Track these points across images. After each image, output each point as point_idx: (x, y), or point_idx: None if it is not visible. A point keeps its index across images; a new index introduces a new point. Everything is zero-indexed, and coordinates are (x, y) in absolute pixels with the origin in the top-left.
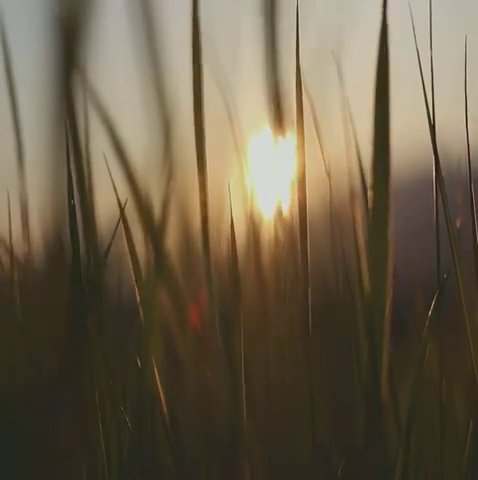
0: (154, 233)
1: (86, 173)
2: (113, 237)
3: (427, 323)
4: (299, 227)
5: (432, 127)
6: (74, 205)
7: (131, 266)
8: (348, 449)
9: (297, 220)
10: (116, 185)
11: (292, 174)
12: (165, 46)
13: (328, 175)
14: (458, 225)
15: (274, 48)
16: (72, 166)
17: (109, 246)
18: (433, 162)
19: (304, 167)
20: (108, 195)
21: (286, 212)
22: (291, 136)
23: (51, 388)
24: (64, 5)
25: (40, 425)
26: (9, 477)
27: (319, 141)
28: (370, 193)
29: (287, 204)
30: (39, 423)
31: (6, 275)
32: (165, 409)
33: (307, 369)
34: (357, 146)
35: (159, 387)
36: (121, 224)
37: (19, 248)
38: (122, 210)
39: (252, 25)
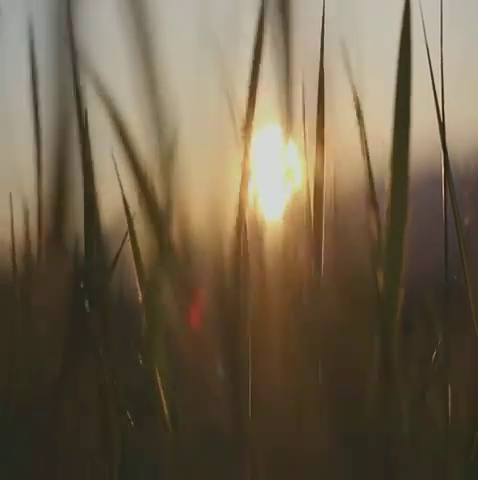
0: (158, 229)
1: (92, 170)
2: (122, 244)
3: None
4: (314, 223)
5: (441, 124)
6: (89, 205)
7: (134, 264)
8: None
9: (311, 218)
10: (122, 180)
11: (307, 174)
12: (162, 40)
13: (339, 174)
14: (466, 223)
15: (286, 45)
16: (79, 161)
17: (118, 253)
18: (442, 159)
19: (323, 167)
20: (112, 191)
21: (297, 211)
22: (300, 134)
23: (52, 388)
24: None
25: (41, 424)
26: (11, 476)
27: (333, 139)
28: (387, 193)
29: (296, 204)
30: (40, 422)
31: (7, 275)
32: (166, 409)
33: (314, 369)
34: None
35: (161, 387)
36: (125, 221)
37: (20, 248)
38: (128, 213)
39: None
